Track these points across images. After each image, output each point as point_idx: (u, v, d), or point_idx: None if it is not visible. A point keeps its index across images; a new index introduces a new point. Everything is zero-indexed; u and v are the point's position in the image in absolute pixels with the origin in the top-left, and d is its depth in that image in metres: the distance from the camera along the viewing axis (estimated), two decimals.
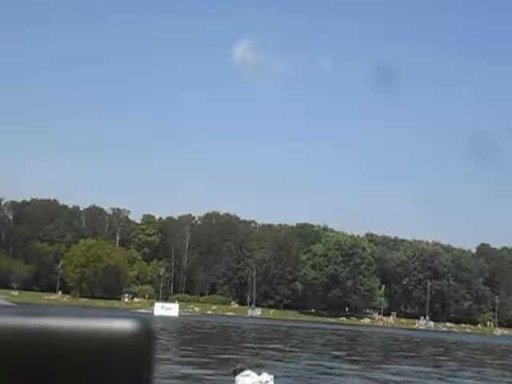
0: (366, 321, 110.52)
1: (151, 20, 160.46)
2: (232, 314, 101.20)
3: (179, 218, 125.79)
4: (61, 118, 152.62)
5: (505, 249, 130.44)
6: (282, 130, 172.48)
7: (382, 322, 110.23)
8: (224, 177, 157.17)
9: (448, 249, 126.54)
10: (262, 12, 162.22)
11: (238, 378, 7.82)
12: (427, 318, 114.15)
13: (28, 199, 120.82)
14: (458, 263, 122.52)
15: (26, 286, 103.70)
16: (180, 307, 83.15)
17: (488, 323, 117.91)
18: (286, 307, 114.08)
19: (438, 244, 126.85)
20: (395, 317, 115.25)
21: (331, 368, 15.69)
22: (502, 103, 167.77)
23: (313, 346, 28.46)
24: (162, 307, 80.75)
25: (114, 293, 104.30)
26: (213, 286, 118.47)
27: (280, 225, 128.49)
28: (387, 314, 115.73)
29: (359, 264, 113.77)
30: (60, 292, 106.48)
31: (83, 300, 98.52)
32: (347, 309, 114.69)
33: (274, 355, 19.37)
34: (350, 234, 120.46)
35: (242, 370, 7.67)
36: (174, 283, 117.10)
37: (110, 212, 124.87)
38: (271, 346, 25.68)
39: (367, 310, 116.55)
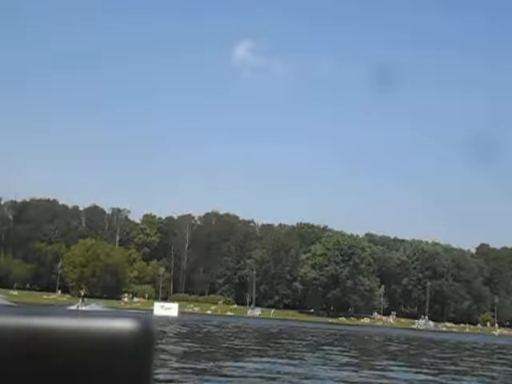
0: (366, 321, 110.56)
1: (151, 20, 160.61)
2: (232, 313, 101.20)
3: (179, 217, 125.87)
4: (61, 118, 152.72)
5: (504, 249, 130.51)
6: (282, 130, 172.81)
7: (381, 322, 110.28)
8: (224, 177, 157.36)
9: (448, 249, 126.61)
10: (262, 13, 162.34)
11: None
12: (426, 317, 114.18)
13: (28, 199, 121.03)
14: (457, 263, 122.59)
15: (25, 286, 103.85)
16: (180, 307, 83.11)
17: (487, 323, 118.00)
18: (286, 307, 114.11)
19: (437, 244, 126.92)
20: (395, 317, 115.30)
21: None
22: (502, 103, 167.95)
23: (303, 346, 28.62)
24: (162, 307, 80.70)
25: (113, 293, 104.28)
26: (212, 285, 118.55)
27: (280, 225, 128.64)
28: (387, 313, 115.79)
29: (359, 264, 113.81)
30: (59, 292, 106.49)
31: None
32: (347, 309, 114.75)
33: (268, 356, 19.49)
34: (349, 233, 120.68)
35: None
36: (173, 283, 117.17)
37: (109, 212, 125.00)
38: (268, 346, 25.75)
39: (367, 310, 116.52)
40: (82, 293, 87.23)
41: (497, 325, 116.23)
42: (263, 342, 30.33)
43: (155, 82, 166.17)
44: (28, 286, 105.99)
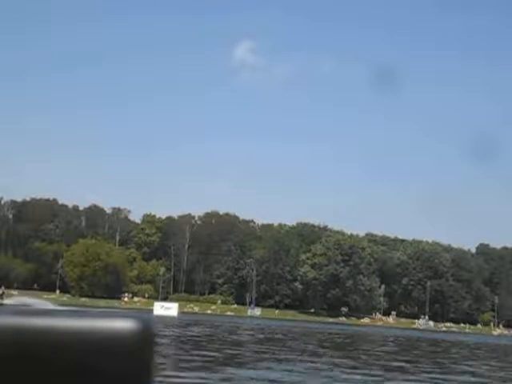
0: (366, 320, 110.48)
1: (151, 20, 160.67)
2: (231, 313, 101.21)
3: (179, 217, 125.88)
4: (61, 118, 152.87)
5: (504, 249, 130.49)
6: (282, 130, 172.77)
7: (381, 322, 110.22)
8: (224, 176, 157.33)
9: (448, 248, 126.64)
10: (263, 13, 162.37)
11: None
12: (427, 317, 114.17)
13: (28, 199, 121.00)
14: (457, 263, 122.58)
15: (25, 286, 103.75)
16: (179, 307, 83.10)
17: (491, 323, 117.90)
18: (286, 307, 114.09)
19: (437, 244, 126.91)
20: (395, 316, 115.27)
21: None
22: (502, 103, 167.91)
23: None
24: (162, 307, 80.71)
25: (113, 292, 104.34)
26: (212, 285, 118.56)
27: (280, 224, 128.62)
28: (387, 313, 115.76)
29: (359, 264, 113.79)
30: (58, 291, 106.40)
31: (83, 299, 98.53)
32: (347, 308, 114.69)
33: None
34: (349, 233, 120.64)
35: None
36: (173, 283, 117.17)
37: (109, 211, 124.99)
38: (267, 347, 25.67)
39: (367, 310, 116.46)
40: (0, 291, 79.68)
41: (499, 325, 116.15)
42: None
43: (155, 81, 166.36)
44: (28, 285, 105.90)
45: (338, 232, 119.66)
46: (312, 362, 17.82)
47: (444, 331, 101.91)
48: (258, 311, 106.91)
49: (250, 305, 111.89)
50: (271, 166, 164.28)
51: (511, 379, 17.93)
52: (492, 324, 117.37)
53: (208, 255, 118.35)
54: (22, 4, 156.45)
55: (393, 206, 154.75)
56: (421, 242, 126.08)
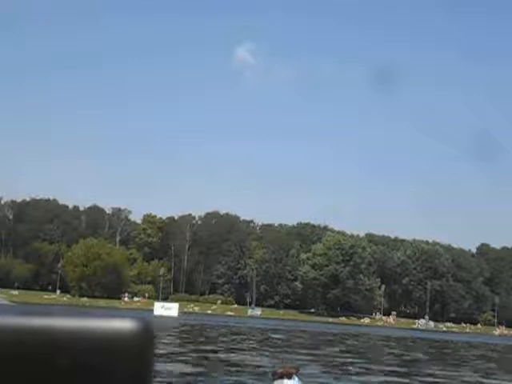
0: (366, 320, 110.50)
1: (152, 21, 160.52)
2: (232, 313, 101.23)
3: (179, 217, 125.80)
4: (61, 118, 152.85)
5: (505, 249, 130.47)
6: (282, 130, 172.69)
7: (381, 322, 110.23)
8: (224, 177, 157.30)
9: (448, 248, 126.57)
10: (264, 15, 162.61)
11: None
12: (427, 317, 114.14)
13: (28, 199, 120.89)
14: (457, 263, 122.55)
15: (26, 286, 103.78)
16: (180, 307, 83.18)
17: (488, 323, 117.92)
18: (286, 307, 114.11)
19: (437, 244, 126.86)
20: (395, 317, 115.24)
21: None
22: (502, 103, 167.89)
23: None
24: (162, 307, 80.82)
25: (113, 292, 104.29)
26: (213, 285, 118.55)
27: (280, 224, 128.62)
28: (387, 313, 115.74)
29: (359, 264, 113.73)
30: (58, 291, 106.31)
31: (83, 299, 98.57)
32: (347, 308, 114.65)
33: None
34: (350, 233, 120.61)
35: (287, 375, 6.26)
36: (174, 283, 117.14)
37: (110, 212, 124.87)
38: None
39: (367, 310, 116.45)
40: None
41: (497, 324, 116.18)
42: None
43: (156, 82, 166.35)
44: (28, 285, 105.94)
45: (338, 232, 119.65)
46: None
47: (444, 331, 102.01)
48: (258, 311, 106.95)
49: (250, 305, 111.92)
50: (271, 166, 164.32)
51: None
52: (491, 324, 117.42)
53: (208, 255, 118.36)
54: (21, 4, 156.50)
55: (393, 206, 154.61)
56: (421, 241, 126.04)
